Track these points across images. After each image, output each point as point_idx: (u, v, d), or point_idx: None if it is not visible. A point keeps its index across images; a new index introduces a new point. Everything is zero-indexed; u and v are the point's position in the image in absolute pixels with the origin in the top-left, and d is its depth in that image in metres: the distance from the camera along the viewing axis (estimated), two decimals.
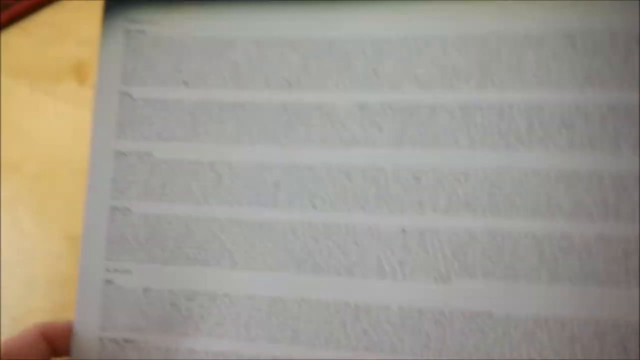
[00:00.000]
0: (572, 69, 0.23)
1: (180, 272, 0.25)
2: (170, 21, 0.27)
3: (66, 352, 0.26)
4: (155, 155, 0.26)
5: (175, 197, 0.26)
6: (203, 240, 0.25)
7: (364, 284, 0.24)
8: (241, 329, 0.25)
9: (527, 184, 0.23)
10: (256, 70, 0.26)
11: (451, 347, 0.23)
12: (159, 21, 0.27)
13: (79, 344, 0.25)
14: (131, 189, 0.26)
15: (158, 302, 0.25)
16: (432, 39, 0.25)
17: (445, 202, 0.24)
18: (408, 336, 0.24)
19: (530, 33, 0.24)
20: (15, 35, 0.43)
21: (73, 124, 0.36)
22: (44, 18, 0.43)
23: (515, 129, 0.24)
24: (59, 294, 0.29)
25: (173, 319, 0.25)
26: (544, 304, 0.23)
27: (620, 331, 0.22)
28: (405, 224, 0.24)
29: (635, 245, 0.23)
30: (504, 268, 0.23)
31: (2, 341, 0.24)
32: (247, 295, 0.25)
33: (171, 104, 0.26)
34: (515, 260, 0.23)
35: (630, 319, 0.22)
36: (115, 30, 0.27)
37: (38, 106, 0.40)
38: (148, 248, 0.26)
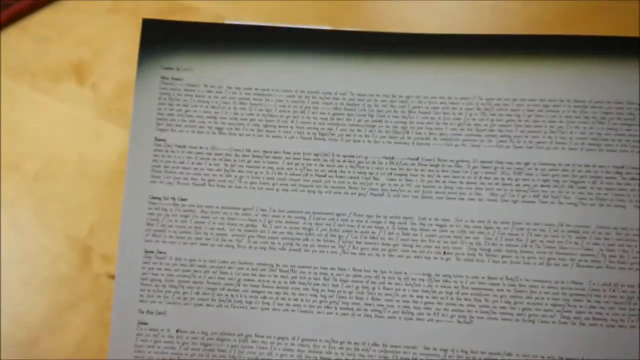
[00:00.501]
0: (583, 132, 0.26)
1: (212, 314, 0.26)
2: (205, 69, 0.28)
3: None
4: (189, 201, 0.27)
5: (208, 241, 0.27)
6: (236, 282, 0.26)
7: (391, 325, 0.26)
8: None
9: (542, 234, 0.26)
10: (289, 119, 0.27)
11: None
12: (194, 68, 0.28)
13: None
14: (165, 233, 0.27)
15: (191, 342, 0.26)
16: (459, 99, 0.27)
17: (467, 250, 0.26)
18: None
19: (546, 99, 0.26)
20: (15, 35, 0.43)
21: (73, 124, 0.36)
22: (44, 18, 0.43)
23: (531, 184, 0.26)
24: (59, 294, 0.29)
25: (205, 358, 0.26)
26: (557, 344, 0.25)
27: None
28: (430, 269, 0.26)
29: (638, 291, 0.25)
30: (521, 311, 0.25)
31: None
32: (279, 336, 0.26)
33: (205, 150, 0.27)
34: (531, 303, 0.25)
35: (636, 356, 0.25)
36: (150, 76, 0.28)
37: (38, 106, 0.40)
38: (181, 290, 0.26)
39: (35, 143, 0.38)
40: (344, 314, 0.26)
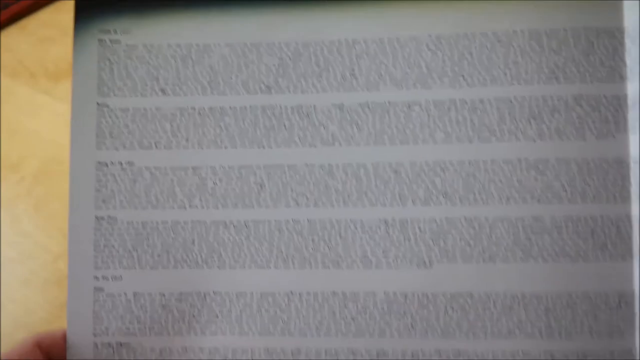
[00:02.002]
0: (539, 64, 0.25)
1: (169, 275, 0.26)
2: (143, 29, 0.27)
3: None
4: (137, 164, 0.26)
5: (159, 204, 0.26)
6: (190, 242, 0.26)
7: (350, 274, 0.25)
8: (233, 324, 0.26)
9: (500, 172, 0.25)
10: (233, 74, 0.27)
11: (436, 326, 0.25)
12: (132, 29, 0.27)
13: (73, 351, 0.26)
14: (115, 199, 0.26)
15: (149, 305, 0.26)
16: (406, 40, 0.26)
17: (424, 193, 0.25)
18: (394, 320, 0.25)
19: (498, 32, 0.25)
20: (15, 35, 0.43)
21: None
22: (44, 18, 0.42)
23: (487, 122, 0.25)
24: (58, 293, 0.29)
25: (165, 320, 0.26)
26: (519, 282, 0.25)
27: (590, 302, 0.24)
28: (387, 215, 0.25)
29: (601, 223, 0.24)
30: (481, 251, 0.25)
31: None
32: (237, 292, 0.26)
33: (150, 113, 0.27)
34: (491, 243, 0.25)
35: (599, 290, 0.24)
36: (87, 41, 0.27)
37: (38, 106, 0.40)
38: (135, 254, 0.26)
39: (35, 143, 0.38)
40: (302, 267, 0.26)
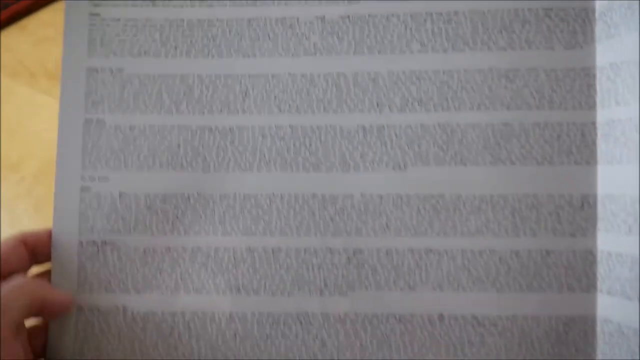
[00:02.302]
0: None
1: (154, 177, 0.27)
2: None
3: (47, 258, 0.27)
4: (126, 71, 0.27)
5: (147, 108, 0.27)
6: (176, 146, 0.27)
7: (329, 176, 0.26)
8: (216, 225, 0.27)
9: (472, 81, 0.26)
10: None
11: (409, 225, 0.26)
12: None
13: (58, 248, 0.27)
14: (104, 103, 0.27)
15: (134, 205, 0.27)
16: None
17: (400, 101, 0.26)
18: (371, 219, 0.26)
19: None
20: (15, 35, 0.44)
21: None
22: (44, 18, 0.43)
23: (461, 33, 0.27)
24: None
25: (149, 220, 0.27)
26: (488, 184, 0.26)
27: (554, 202, 0.26)
28: (365, 121, 0.26)
29: (567, 129, 0.26)
30: (453, 155, 0.26)
31: None
32: (221, 194, 0.27)
33: (140, 23, 0.28)
34: (462, 147, 0.26)
35: (563, 191, 0.26)
36: None
37: (38, 106, 0.41)
38: (122, 156, 0.27)
39: (35, 143, 0.39)
40: (283, 170, 0.27)
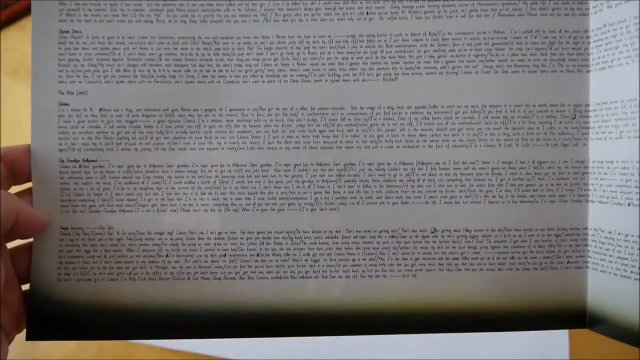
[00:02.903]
0: None
1: (136, 90, 0.26)
2: None
3: (26, 177, 0.26)
4: None
5: (126, 17, 0.26)
6: (157, 58, 0.26)
7: (318, 88, 0.26)
8: (202, 140, 0.26)
9: None
10: None
11: (400, 137, 0.25)
12: None
13: (38, 166, 0.26)
14: (79, 11, 0.26)
15: (115, 120, 0.26)
16: None
17: (390, 8, 0.26)
18: (362, 132, 0.26)
19: None
20: (15, 34, 0.43)
21: None
22: None
23: None
24: None
25: (132, 136, 0.26)
26: (480, 93, 0.25)
27: (546, 112, 0.25)
28: (354, 30, 0.26)
29: (559, 36, 0.25)
30: (445, 64, 0.25)
31: None
32: (205, 108, 0.26)
33: None
34: (454, 56, 0.25)
35: (556, 101, 0.25)
36: None
37: None
38: (101, 69, 0.26)
39: None
40: (270, 81, 0.26)
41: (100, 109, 0.26)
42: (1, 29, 0.44)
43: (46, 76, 0.26)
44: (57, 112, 0.26)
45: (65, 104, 0.26)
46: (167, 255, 0.26)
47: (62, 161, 0.26)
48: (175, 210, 0.26)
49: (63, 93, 0.26)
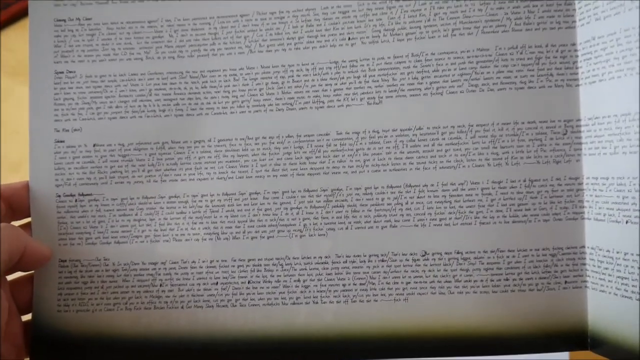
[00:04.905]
0: None
1: (127, 125, 0.26)
2: None
3: (25, 212, 0.26)
4: (94, 19, 0.27)
5: (117, 56, 0.27)
6: (147, 93, 0.26)
7: (303, 115, 0.26)
8: (192, 171, 0.26)
9: (445, 6, 0.25)
10: None
11: (387, 160, 0.25)
12: None
13: (36, 202, 0.26)
14: (73, 53, 0.27)
15: (109, 155, 0.26)
16: None
17: (372, 32, 0.25)
18: (348, 157, 0.25)
19: None
20: (15, 35, 0.43)
21: None
22: None
23: None
24: None
25: (125, 169, 0.26)
26: (466, 113, 0.25)
27: (536, 129, 0.25)
28: (337, 56, 0.26)
29: (546, 51, 0.24)
30: (429, 85, 0.25)
31: None
32: (195, 140, 0.26)
33: None
34: (438, 76, 0.25)
35: (545, 117, 0.25)
36: None
37: None
38: (94, 106, 0.27)
39: None
40: (257, 111, 0.26)
41: (94, 145, 0.27)
42: (1, 29, 0.43)
43: (43, 115, 0.27)
44: (54, 149, 0.27)
45: (61, 141, 0.27)
46: (161, 285, 0.26)
47: (59, 196, 0.27)
48: (167, 240, 0.26)
49: (59, 131, 0.27)
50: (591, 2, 0.24)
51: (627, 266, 0.24)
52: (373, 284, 0.25)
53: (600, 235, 0.25)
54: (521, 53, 0.25)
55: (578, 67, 0.25)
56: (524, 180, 0.25)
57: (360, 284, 0.25)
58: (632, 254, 0.23)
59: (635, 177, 0.23)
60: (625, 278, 0.24)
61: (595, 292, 0.25)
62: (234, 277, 0.26)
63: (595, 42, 0.24)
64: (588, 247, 0.25)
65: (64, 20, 0.27)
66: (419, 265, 0.25)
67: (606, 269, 0.24)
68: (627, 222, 0.24)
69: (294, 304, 0.26)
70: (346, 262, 0.26)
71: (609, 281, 0.24)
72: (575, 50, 0.25)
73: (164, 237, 0.26)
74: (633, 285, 0.23)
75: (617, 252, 0.24)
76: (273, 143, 0.26)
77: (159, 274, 0.26)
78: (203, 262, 0.26)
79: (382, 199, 0.25)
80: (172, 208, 0.26)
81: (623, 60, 0.23)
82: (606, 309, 0.24)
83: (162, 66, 0.27)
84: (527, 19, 0.25)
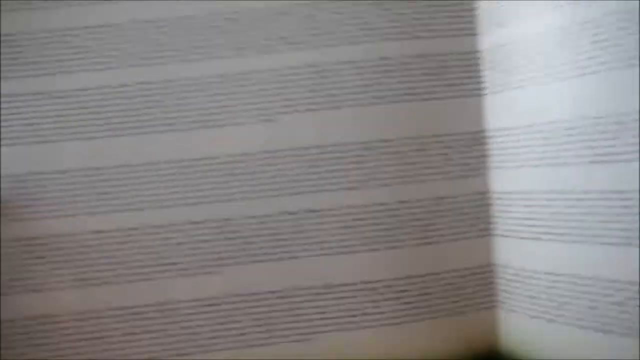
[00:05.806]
0: None
1: None
2: None
3: None
4: None
5: None
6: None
7: (188, 137, 0.23)
8: (52, 207, 0.22)
9: (343, 12, 0.23)
10: None
11: (283, 184, 0.22)
12: None
13: None
14: None
15: None
16: None
17: (263, 41, 0.22)
18: (237, 181, 0.22)
19: None
20: None
21: None
22: None
23: None
24: None
25: None
26: (369, 127, 0.23)
27: (442, 142, 0.23)
28: (224, 69, 0.22)
29: (450, 58, 0.23)
30: (327, 99, 0.22)
31: None
32: (57, 170, 0.22)
33: None
34: (337, 88, 0.23)
35: (451, 129, 0.23)
36: None
37: None
38: None
39: None
40: (132, 134, 0.23)
41: None
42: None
43: None
44: None
45: None
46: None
47: None
48: (24, 292, 0.22)
49: None
50: (494, 9, 0.23)
51: (537, 285, 0.22)
52: (271, 325, 0.23)
53: (509, 252, 0.23)
54: (424, 62, 0.23)
55: (483, 77, 0.23)
56: (432, 199, 0.23)
57: (257, 326, 0.23)
58: (541, 272, 0.22)
59: (541, 191, 0.22)
60: (535, 297, 0.23)
61: (507, 312, 0.24)
62: (107, 331, 0.22)
63: (498, 51, 0.23)
64: (497, 266, 0.24)
65: None
66: (323, 299, 0.23)
67: (516, 287, 0.23)
68: (535, 239, 0.23)
69: (179, 355, 0.22)
70: (240, 301, 0.23)
71: (519, 301, 0.23)
72: (478, 59, 0.23)
73: (18, 288, 0.22)
74: (543, 305, 0.22)
75: (526, 271, 0.23)
76: (151, 170, 0.22)
77: (18, 333, 0.22)
78: (69, 315, 0.22)
79: (279, 228, 0.23)
80: (30, 252, 0.22)
81: (526, 70, 0.22)
82: (517, 330, 0.23)
83: (22, 87, 0.22)
84: (428, 26, 0.23)
